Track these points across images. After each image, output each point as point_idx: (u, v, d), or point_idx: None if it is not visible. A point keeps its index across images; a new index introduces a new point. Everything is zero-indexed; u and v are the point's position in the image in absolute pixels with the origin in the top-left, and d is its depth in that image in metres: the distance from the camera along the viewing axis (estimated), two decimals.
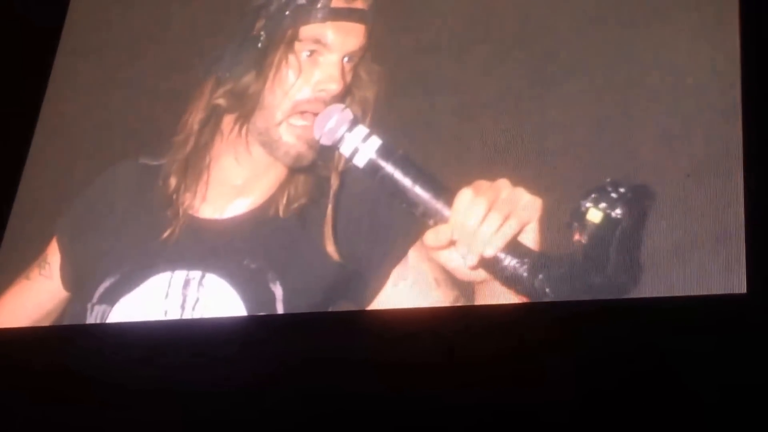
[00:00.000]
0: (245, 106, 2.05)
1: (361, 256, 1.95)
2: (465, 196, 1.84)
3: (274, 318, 1.96)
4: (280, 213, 2.03)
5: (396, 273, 1.93)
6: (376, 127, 1.97)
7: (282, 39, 2.04)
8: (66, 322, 2.09)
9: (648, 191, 1.80)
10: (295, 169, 2.03)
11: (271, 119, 2.03)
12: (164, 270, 2.03)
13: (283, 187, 2.03)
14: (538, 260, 1.80)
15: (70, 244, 2.13)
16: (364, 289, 1.94)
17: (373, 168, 1.91)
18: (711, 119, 1.83)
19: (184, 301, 2.01)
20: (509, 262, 1.81)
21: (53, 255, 2.14)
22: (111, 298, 2.05)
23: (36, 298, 2.13)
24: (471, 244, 1.82)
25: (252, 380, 1.89)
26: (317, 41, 2.03)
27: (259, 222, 2.03)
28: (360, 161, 1.92)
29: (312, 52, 2.03)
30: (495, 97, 1.98)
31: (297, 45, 2.03)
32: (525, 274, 1.80)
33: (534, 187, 1.85)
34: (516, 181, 1.85)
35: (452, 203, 1.85)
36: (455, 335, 1.83)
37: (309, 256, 1.99)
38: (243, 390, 1.88)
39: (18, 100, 2.29)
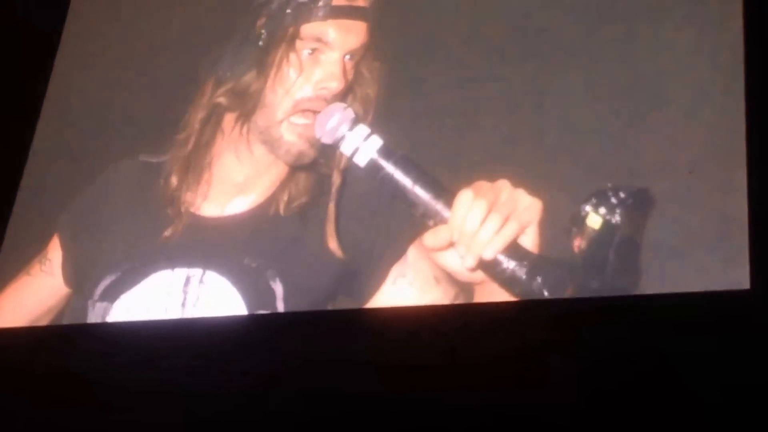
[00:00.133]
0: (246, 104, 2.05)
1: (363, 254, 1.95)
2: (465, 197, 1.83)
3: (274, 317, 1.96)
4: (281, 211, 2.03)
5: (395, 271, 1.93)
6: (377, 126, 1.97)
7: (283, 37, 2.04)
8: (67, 319, 2.10)
9: (648, 197, 1.79)
10: (296, 168, 2.03)
11: (273, 118, 2.03)
12: (165, 268, 2.04)
13: (284, 185, 2.04)
14: (536, 263, 1.79)
15: (71, 241, 2.13)
16: (363, 287, 1.94)
17: (373, 168, 1.91)
18: (713, 115, 1.83)
19: (184, 299, 2.01)
20: (508, 264, 1.80)
21: (54, 252, 2.14)
22: (112, 295, 2.05)
23: (37, 295, 2.13)
24: (470, 245, 1.81)
25: (252, 378, 1.89)
26: (318, 39, 2.02)
27: (260, 220, 2.03)
28: (361, 161, 1.92)
29: (313, 51, 2.03)
30: (497, 95, 1.98)
31: (298, 43, 2.03)
32: (523, 277, 1.79)
33: (535, 188, 1.84)
34: (517, 181, 1.85)
35: (452, 204, 1.84)
36: (455, 333, 1.83)
37: (309, 255, 1.99)
38: (243, 388, 1.88)
39: (20, 98, 2.29)
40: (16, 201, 2.21)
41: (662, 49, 1.91)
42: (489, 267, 1.81)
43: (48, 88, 2.28)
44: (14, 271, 2.15)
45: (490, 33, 2.04)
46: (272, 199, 2.04)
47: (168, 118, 2.13)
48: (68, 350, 2.03)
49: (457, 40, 2.05)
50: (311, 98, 2.01)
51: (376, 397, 1.80)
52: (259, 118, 2.04)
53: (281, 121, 2.03)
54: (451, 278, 1.88)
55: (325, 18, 2.03)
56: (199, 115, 2.08)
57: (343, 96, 2.01)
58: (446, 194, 1.86)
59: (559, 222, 1.82)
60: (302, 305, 1.96)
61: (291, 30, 2.04)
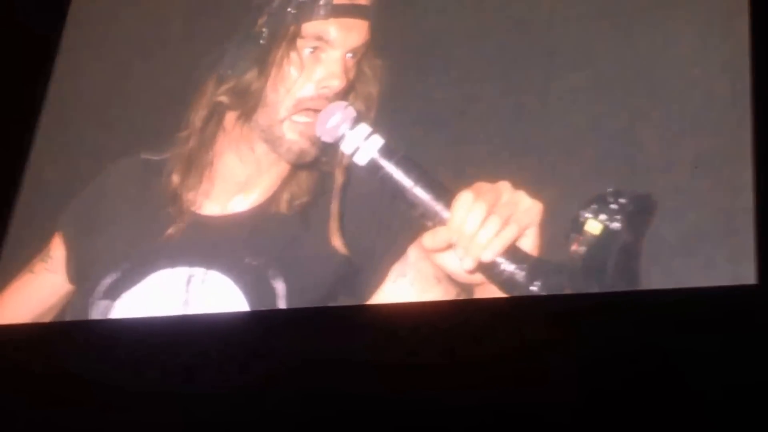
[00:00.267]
0: (247, 103, 2.05)
1: (364, 253, 1.95)
2: (465, 198, 1.83)
3: (274, 313, 1.96)
4: (283, 210, 2.03)
5: (396, 270, 1.93)
6: (379, 124, 1.97)
7: (284, 36, 2.04)
8: (68, 317, 2.10)
9: (650, 203, 1.79)
10: (297, 166, 2.03)
11: (274, 116, 2.03)
12: (167, 266, 2.04)
13: (285, 183, 2.04)
14: (535, 266, 1.79)
15: (73, 239, 2.14)
16: (364, 286, 1.94)
17: (374, 167, 1.91)
18: (719, 110, 1.82)
19: (186, 297, 2.01)
20: (506, 266, 1.80)
21: (57, 249, 2.14)
22: (113, 293, 2.05)
23: (39, 292, 2.14)
24: (469, 247, 1.81)
25: (252, 375, 1.89)
26: (319, 38, 2.02)
27: (262, 219, 2.03)
28: (361, 160, 1.92)
29: (314, 49, 2.03)
30: (499, 94, 1.98)
31: (299, 42, 2.03)
32: (522, 280, 1.79)
33: (537, 189, 1.84)
34: (518, 182, 1.85)
35: (452, 206, 1.84)
36: (455, 330, 1.82)
37: (311, 253, 1.99)
38: (243, 384, 1.89)
39: (22, 96, 2.29)
40: (18, 199, 2.21)
41: (667, 45, 1.91)
42: (487, 269, 1.81)
43: (50, 86, 2.28)
44: (17, 268, 2.16)
45: (493, 31, 2.03)
46: (274, 198, 2.04)
47: (169, 116, 2.13)
48: (68, 347, 2.03)
49: (459, 38, 2.04)
50: (312, 97, 2.01)
51: (375, 394, 1.80)
52: (261, 117, 2.04)
53: (283, 120, 2.03)
54: (451, 278, 1.87)
55: (326, 16, 2.03)
56: (200, 114, 2.09)
57: (344, 94, 2.01)
58: (446, 195, 1.86)
59: (561, 224, 1.81)
60: (304, 304, 1.97)
61: (292, 28, 2.04)
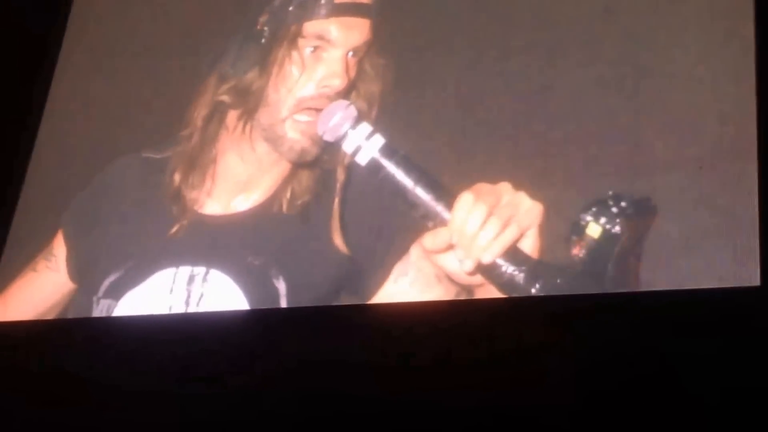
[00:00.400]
0: (249, 102, 2.04)
1: (365, 252, 1.95)
2: (465, 200, 1.83)
3: (274, 312, 1.96)
4: (284, 209, 2.02)
5: (397, 269, 1.93)
6: (381, 122, 1.96)
7: (285, 35, 2.03)
8: (71, 316, 2.10)
9: (650, 206, 1.78)
10: (298, 165, 2.03)
11: (276, 115, 2.03)
12: (169, 266, 2.04)
13: (286, 183, 2.03)
14: (535, 268, 1.79)
15: (75, 238, 2.14)
16: (365, 285, 1.94)
17: (375, 167, 1.90)
18: (724, 108, 1.82)
19: (188, 296, 2.01)
20: (506, 268, 1.80)
21: (59, 248, 2.15)
22: (116, 292, 2.05)
23: (42, 290, 2.14)
24: (469, 249, 1.81)
25: (253, 375, 1.89)
26: (320, 37, 2.02)
27: (263, 218, 2.03)
28: (362, 159, 1.92)
29: (315, 48, 2.02)
30: (501, 93, 1.97)
31: (300, 41, 2.03)
32: (522, 282, 1.79)
33: (539, 189, 1.83)
34: (519, 183, 1.84)
35: (452, 206, 1.84)
36: (453, 330, 1.82)
37: (312, 252, 1.99)
38: (243, 382, 1.89)
39: (23, 94, 2.29)
40: (20, 197, 2.21)
41: (671, 45, 1.90)
42: (487, 271, 1.81)
43: (51, 84, 2.28)
44: (20, 266, 2.16)
45: (495, 30, 2.03)
46: (275, 197, 2.03)
47: (170, 115, 2.13)
48: (69, 344, 2.03)
49: (461, 37, 2.04)
50: (314, 96, 2.01)
51: (375, 394, 1.81)
52: (262, 116, 2.04)
53: (285, 119, 2.02)
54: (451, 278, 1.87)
55: (327, 16, 2.02)
56: (202, 112, 2.09)
57: (345, 93, 2.01)
58: (447, 196, 1.85)
59: (562, 224, 1.81)
60: (305, 303, 1.97)
61: (293, 28, 2.03)
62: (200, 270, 2.02)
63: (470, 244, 1.81)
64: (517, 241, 1.81)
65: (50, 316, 2.12)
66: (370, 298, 1.93)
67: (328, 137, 1.97)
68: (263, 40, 2.05)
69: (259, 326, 1.95)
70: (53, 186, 2.22)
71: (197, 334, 1.98)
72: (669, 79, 1.88)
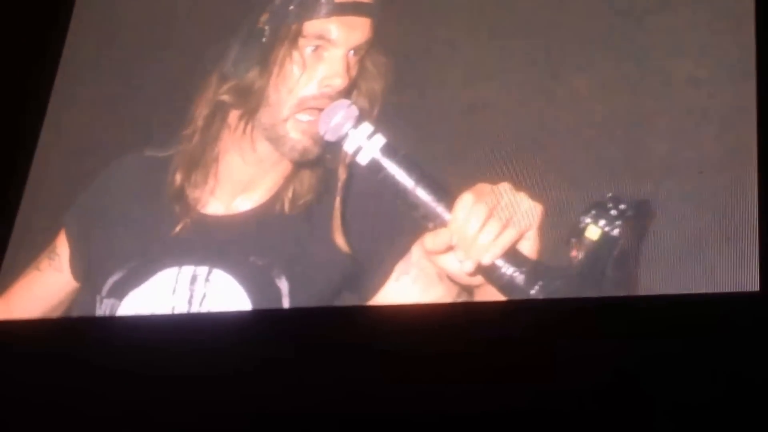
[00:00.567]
0: (250, 102, 2.04)
1: (367, 251, 1.95)
2: (465, 201, 1.83)
3: (278, 312, 1.97)
4: (286, 209, 2.03)
5: (399, 268, 1.94)
6: (383, 121, 1.96)
7: (286, 35, 2.03)
8: (75, 315, 2.11)
9: (649, 209, 1.79)
10: (300, 165, 2.03)
11: (278, 115, 2.03)
12: (172, 265, 2.05)
13: (288, 182, 2.04)
14: (534, 270, 1.79)
15: (78, 237, 2.14)
16: (367, 284, 1.95)
17: (375, 167, 1.90)
18: (724, 113, 1.81)
19: (191, 296, 2.02)
20: (506, 270, 1.80)
21: (62, 247, 2.15)
22: (120, 292, 2.06)
23: (46, 290, 2.15)
24: (469, 250, 1.81)
25: (255, 374, 1.90)
26: (321, 37, 2.02)
27: (266, 218, 2.04)
28: (363, 159, 1.91)
29: (316, 48, 2.02)
30: (502, 93, 1.98)
31: (301, 41, 2.02)
32: (521, 284, 1.80)
33: (539, 190, 1.83)
34: (520, 183, 1.84)
35: (453, 207, 1.84)
36: (453, 331, 1.83)
37: (315, 252, 2.00)
38: (245, 383, 1.89)
39: (26, 94, 2.29)
40: (23, 196, 2.22)
41: (672, 48, 1.89)
42: (487, 272, 1.82)
43: (55, 83, 2.29)
44: (23, 265, 2.17)
45: (497, 29, 2.03)
46: (277, 197, 2.04)
47: (173, 113, 2.13)
48: (71, 343, 2.04)
49: (463, 37, 2.03)
50: (315, 96, 2.01)
51: (374, 394, 1.81)
52: (264, 116, 2.04)
53: (286, 119, 2.02)
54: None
55: (328, 15, 2.02)
56: (203, 112, 2.09)
57: (347, 93, 2.01)
58: (447, 197, 1.86)
59: (562, 226, 1.81)
60: (307, 302, 1.97)
61: (294, 27, 2.03)
62: (203, 270, 2.02)
63: (470, 245, 1.81)
64: (516, 242, 1.81)
65: (54, 315, 2.12)
66: (371, 297, 1.94)
67: (330, 137, 1.97)
68: (264, 40, 2.05)
69: (262, 326, 1.96)
70: (56, 185, 2.22)
71: (200, 334, 1.98)
72: (669, 83, 1.88)
